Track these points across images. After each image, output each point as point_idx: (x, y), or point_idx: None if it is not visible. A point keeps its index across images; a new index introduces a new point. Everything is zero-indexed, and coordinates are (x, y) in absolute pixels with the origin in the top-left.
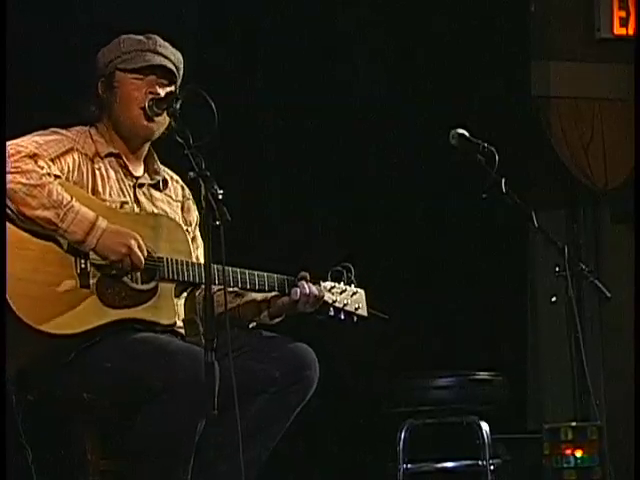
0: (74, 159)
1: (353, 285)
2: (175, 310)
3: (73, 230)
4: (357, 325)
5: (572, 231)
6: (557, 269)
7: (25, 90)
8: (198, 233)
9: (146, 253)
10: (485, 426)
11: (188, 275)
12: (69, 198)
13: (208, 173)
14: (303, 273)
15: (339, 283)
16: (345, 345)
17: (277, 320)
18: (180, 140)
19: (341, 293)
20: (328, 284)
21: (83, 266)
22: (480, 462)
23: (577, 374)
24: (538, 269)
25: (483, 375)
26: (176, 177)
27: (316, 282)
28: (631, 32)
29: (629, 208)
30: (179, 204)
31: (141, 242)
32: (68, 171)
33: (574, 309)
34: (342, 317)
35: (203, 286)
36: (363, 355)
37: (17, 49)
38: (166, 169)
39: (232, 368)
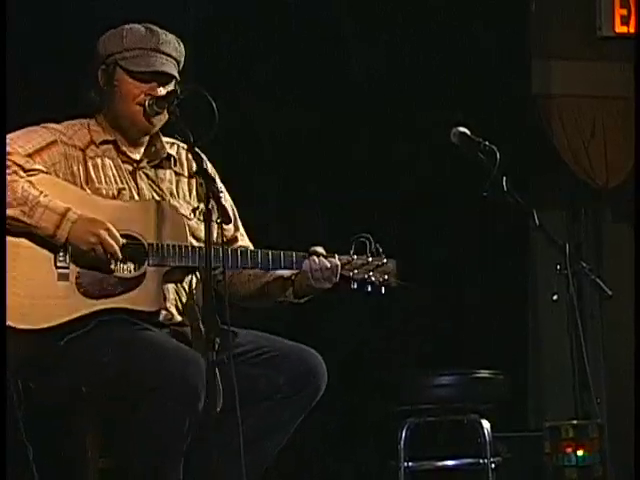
0: (59, 151)
1: (382, 256)
2: (160, 297)
3: (42, 225)
4: (375, 313)
5: (573, 229)
6: (558, 267)
7: (27, 82)
8: (224, 192)
9: (120, 241)
10: (486, 424)
11: (180, 259)
12: (36, 194)
13: (209, 171)
14: (314, 248)
15: (361, 255)
16: (346, 343)
17: (305, 299)
18: (181, 139)
19: (362, 266)
20: (344, 257)
21: (62, 259)
22: (481, 460)
23: (578, 372)
24: (539, 267)
25: (484, 373)
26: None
27: (330, 256)
28: (632, 30)
29: (630, 206)
30: (193, 178)
31: (113, 230)
32: (53, 163)
33: (575, 307)
34: (369, 289)
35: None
36: (364, 353)
37: (18, 40)
38: (177, 142)
39: (232, 367)
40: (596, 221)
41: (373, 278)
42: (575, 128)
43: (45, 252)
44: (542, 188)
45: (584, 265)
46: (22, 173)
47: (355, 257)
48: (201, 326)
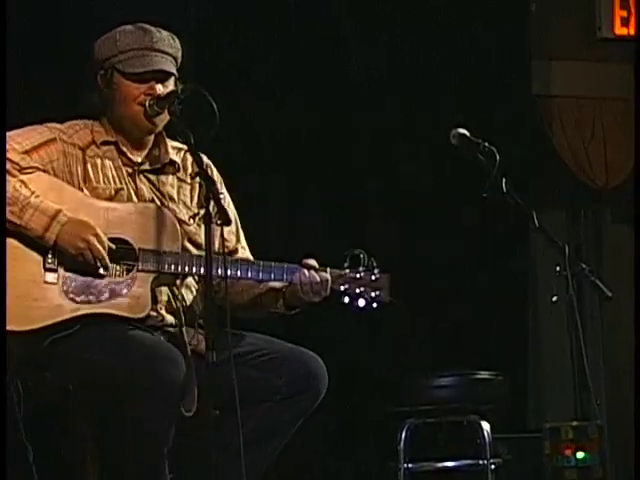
0: (57, 149)
1: (376, 271)
2: (148, 303)
3: (31, 226)
4: (374, 314)
5: (573, 230)
6: (558, 268)
7: (27, 82)
8: (228, 200)
9: (107, 247)
10: (486, 425)
11: (169, 265)
12: (27, 194)
13: (213, 175)
14: (306, 261)
15: (354, 269)
16: (346, 344)
17: (295, 311)
18: (181, 140)
19: (354, 280)
20: (336, 271)
21: (50, 261)
22: (481, 461)
23: (578, 373)
24: (539, 268)
25: (484, 374)
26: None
27: (321, 269)
28: (632, 32)
29: (630, 207)
30: (195, 184)
31: (102, 235)
32: (50, 161)
33: (575, 308)
34: (360, 305)
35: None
36: (364, 354)
37: (21, 41)
38: (184, 148)
39: (233, 367)
40: (596, 222)
41: (365, 294)
42: (575, 129)
43: (34, 254)
44: (542, 189)
45: (584, 266)
46: (15, 172)
47: (347, 271)
48: (183, 330)
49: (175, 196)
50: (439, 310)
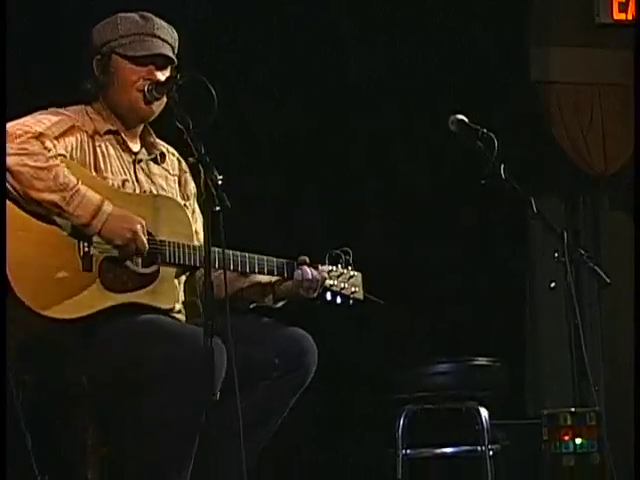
0: (76, 137)
1: (350, 268)
2: (175, 294)
3: (79, 214)
4: (353, 309)
5: (571, 217)
6: (556, 255)
7: (22, 69)
8: (197, 206)
9: (146, 238)
10: (484, 412)
11: (189, 258)
12: (75, 181)
13: (208, 159)
14: (303, 257)
15: (336, 266)
16: (344, 331)
17: (281, 304)
18: (180, 126)
19: (338, 277)
20: (325, 268)
21: (87, 249)
22: (479, 448)
23: (576, 360)
24: (537, 255)
25: (482, 361)
26: (172, 150)
27: (315, 266)
28: (630, 17)
29: (628, 194)
30: (176, 178)
31: (145, 226)
32: (72, 149)
33: (573, 295)
34: (339, 301)
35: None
36: (362, 341)
37: (21, 41)
38: (162, 142)
39: (233, 352)
40: (594, 209)
41: (347, 291)
42: (573, 115)
43: (71, 241)
44: (540, 175)
45: (582, 252)
46: (59, 159)
47: (334, 268)
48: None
49: (165, 187)
50: (437, 296)
